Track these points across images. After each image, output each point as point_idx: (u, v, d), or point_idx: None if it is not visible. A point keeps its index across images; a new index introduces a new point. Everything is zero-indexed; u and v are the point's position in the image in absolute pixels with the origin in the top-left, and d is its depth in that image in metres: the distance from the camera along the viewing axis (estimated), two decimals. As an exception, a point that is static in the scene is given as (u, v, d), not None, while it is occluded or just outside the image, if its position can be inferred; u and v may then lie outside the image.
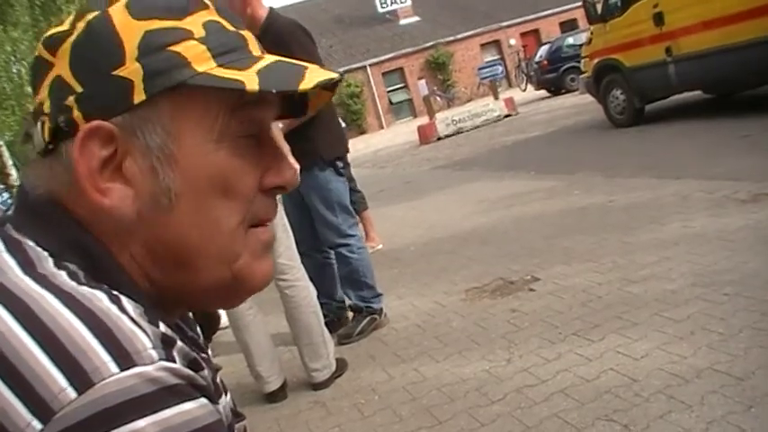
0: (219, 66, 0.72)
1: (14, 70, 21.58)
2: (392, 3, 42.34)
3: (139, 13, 0.72)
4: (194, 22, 0.74)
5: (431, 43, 40.63)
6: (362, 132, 38.90)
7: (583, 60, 12.28)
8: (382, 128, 39.58)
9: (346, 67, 39.12)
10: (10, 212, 0.77)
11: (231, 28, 0.77)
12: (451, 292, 5.20)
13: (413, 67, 40.69)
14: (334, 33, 42.27)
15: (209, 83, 0.71)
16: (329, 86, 0.81)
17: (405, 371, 4.02)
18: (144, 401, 0.59)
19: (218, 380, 0.92)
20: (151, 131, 0.71)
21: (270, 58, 0.77)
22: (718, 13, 8.61)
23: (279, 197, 3.59)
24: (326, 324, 4.87)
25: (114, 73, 0.70)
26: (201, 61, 0.72)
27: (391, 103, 41.05)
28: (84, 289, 0.65)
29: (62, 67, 0.72)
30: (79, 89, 0.71)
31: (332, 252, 4.78)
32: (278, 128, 4.01)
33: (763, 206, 5.15)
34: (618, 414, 2.94)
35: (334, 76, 0.76)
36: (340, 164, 4.66)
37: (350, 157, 5.50)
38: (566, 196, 7.39)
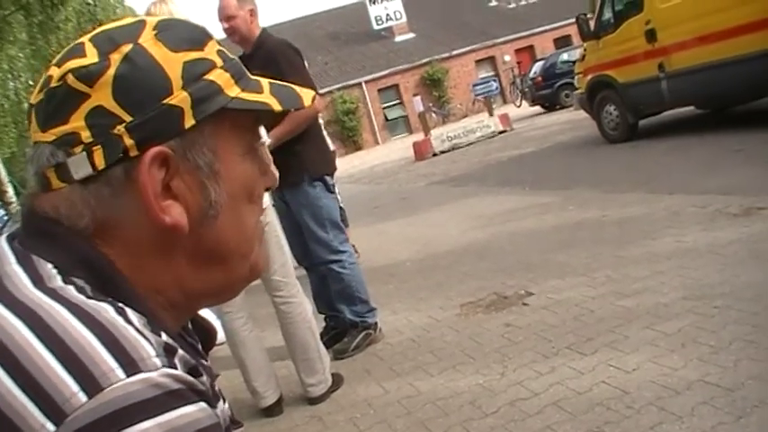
0: (243, 90, 0.82)
1: (11, 87, 21.63)
2: (387, 20, 42.53)
3: (173, 45, 0.79)
4: (211, 52, 0.82)
5: (426, 60, 40.78)
6: (358, 149, 38.96)
7: (576, 76, 12.37)
8: (378, 144, 39.65)
9: (342, 84, 39.30)
10: (14, 230, 0.81)
11: (230, 55, 0.85)
12: (447, 307, 5.24)
13: (408, 84, 40.81)
14: (330, 50, 42.42)
15: (244, 106, 0.81)
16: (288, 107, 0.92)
17: (400, 385, 4.05)
18: (149, 405, 0.64)
19: (216, 387, 0.96)
20: (199, 152, 0.79)
21: (265, 81, 0.87)
22: (711, 29, 8.68)
23: (275, 214, 3.64)
24: (334, 336, 4.91)
25: (165, 101, 0.77)
26: (229, 87, 0.81)
27: (387, 119, 41.14)
28: (92, 302, 0.70)
29: (102, 97, 0.75)
30: (128, 118, 0.75)
31: (336, 263, 4.79)
32: (265, 143, 4.06)
33: (754, 220, 5.20)
34: (609, 426, 2.98)
35: (314, 94, 0.90)
36: (330, 180, 4.70)
37: (346, 173, 5.56)
38: (560, 211, 7.44)
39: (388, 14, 42.51)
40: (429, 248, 7.55)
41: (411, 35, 42.87)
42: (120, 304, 0.72)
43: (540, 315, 4.51)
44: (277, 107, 0.82)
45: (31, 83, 20.99)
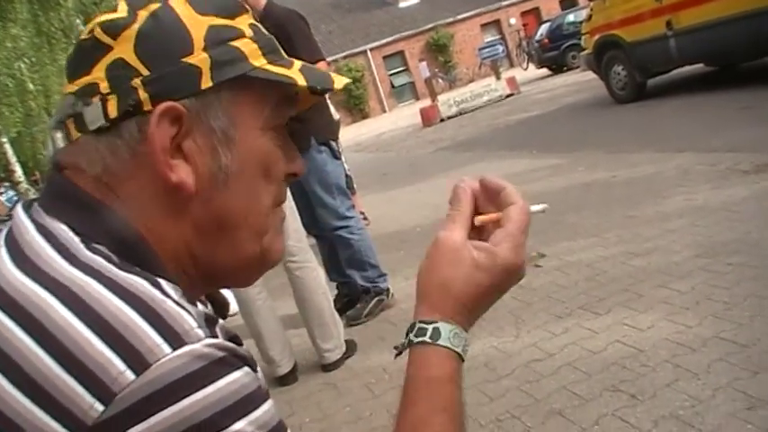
0: (269, 62, 0.82)
1: (16, 67, 21.57)
2: (391, -15, 42.24)
3: (201, 9, 0.80)
4: (242, 23, 0.82)
5: (431, 25, 40.50)
6: (365, 117, 38.87)
7: (583, 37, 12.25)
8: (385, 112, 39.54)
9: (347, 52, 39.11)
10: (38, 196, 0.81)
11: (266, 33, 0.85)
12: (458, 272, 5.22)
13: (413, 50, 40.60)
14: (333, 18, 42.14)
15: (266, 76, 0.80)
16: (319, 92, 0.91)
17: (414, 350, 4.05)
18: (197, 376, 0.65)
19: None
20: (215, 115, 0.79)
21: (298, 62, 0.86)
22: (718, -15, 8.59)
23: None
24: (347, 303, 4.92)
25: (184, 60, 0.77)
26: (256, 57, 0.81)
27: (393, 86, 40.98)
28: (125, 275, 0.69)
29: (124, 50, 0.76)
30: (146, 72, 0.76)
31: (344, 229, 4.79)
32: None
33: (765, 176, 5.16)
34: (625, 384, 2.98)
35: (348, 81, 0.91)
36: (335, 146, 4.70)
37: (353, 141, 5.57)
38: (569, 173, 7.41)
39: (391, -20, 42.21)
40: (438, 214, 7.43)
41: (415, 1, 42.53)
42: (154, 276, 0.71)
43: (553, 276, 4.51)
44: (302, 82, 0.81)
45: (34, 60, 20.92)
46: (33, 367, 0.63)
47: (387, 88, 40.71)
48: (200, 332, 0.67)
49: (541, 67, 25.85)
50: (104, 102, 0.76)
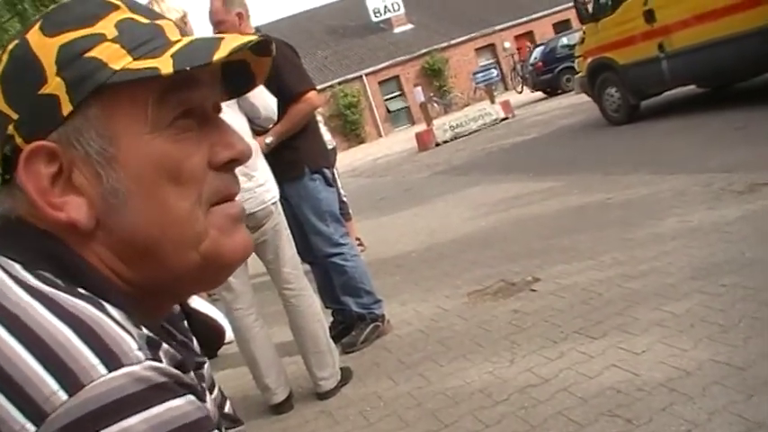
0: (135, 59, 0.74)
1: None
2: (386, 11, 42.44)
3: (52, 30, 0.75)
4: (106, 25, 0.75)
5: (426, 50, 40.68)
6: (361, 142, 38.93)
7: (576, 60, 12.32)
8: (381, 136, 39.60)
9: (342, 78, 39.25)
10: None
11: (145, 21, 0.78)
12: (454, 296, 5.23)
13: (409, 75, 40.75)
14: (329, 44, 42.36)
15: (127, 77, 0.73)
16: (263, 52, 0.83)
17: (409, 376, 4.04)
18: (133, 400, 0.61)
19: (205, 380, 0.95)
20: (87, 139, 0.73)
21: (187, 39, 0.78)
22: (709, 7, 8.65)
23: (279, 208, 3.59)
24: (342, 330, 4.91)
25: (40, 92, 0.73)
26: (117, 59, 0.73)
27: (389, 111, 41.08)
28: (68, 297, 0.68)
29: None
30: (15, 116, 0.74)
31: (338, 256, 4.78)
32: (267, 141, 4.08)
33: (759, 196, 5.17)
34: (621, 409, 2.96)
35: (249, 39, 0.76)
36: (328, 173, 4.70)
37: (350, 166, 5.59)
38: (564, 196, 7.41)
39: (385, 6, 42.41)
40: (434, 238, 7.54)
41: (409, 26, 42.77)
42: (98, 299, 0.69)
43: (548, 300, 4.50)
44: (167, 70, 0.72)
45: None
46: None
47: (382, 113, 40.81)
48: (141, 354, 0.64)
49: (536, 90, 25.95)
50: None
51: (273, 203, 3.98)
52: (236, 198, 0.84)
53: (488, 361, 3.88)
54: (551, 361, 3.63)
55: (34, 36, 0.75)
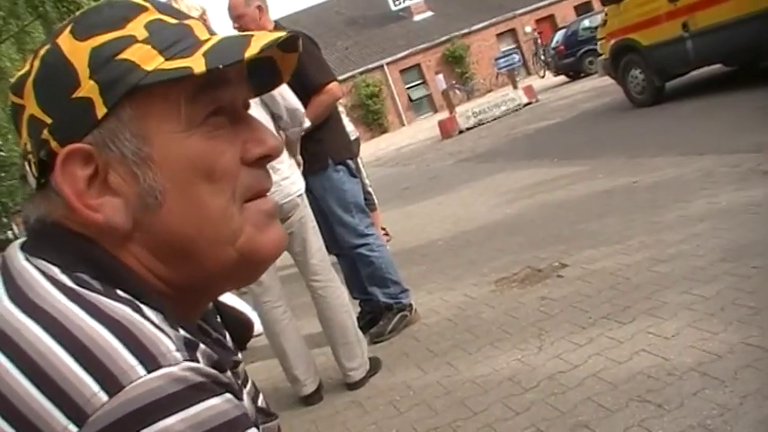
0: (167, 59, 0.74)
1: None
2: (405, 0, 42.31)
3: (83, 35, 0.75)
4: (136, 27, 0.76)
5: (446, 37, 40.51)
6: (384, 131, 38.89)
7: (599, 42, 12.20)
8: (403, 125, 39.54)
9: (363, 68, 39.22)
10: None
11: (174, 21, 0.79)
12: (481, 284, 5.21)
13: (430, 63, 40.63)
14: (349, 35, 42.31)
15: (160, 78, 0.73)
16: (290, 48, 0.85)
17: (438, 365, 4.04)
18: (172, 400, 0.63)
19: (246, 380, 0.96)
20: (122, 140, 0.74)
21: (216, 38, 0.78)
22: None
23: (305, 200, 3.59)
24: (370, 320, 4.91)
25: (74, 96, 0.74)
26: (149, 60, 0.74)
27: (411, 99, 41.00)
28: (106, 300, 0.69)
29: (31, 105, 0.76)
30: (49, 121, 0.75)
31: (364, 247, 4.78)
32: (295, 132, 4.06)
33: (788, 176, 5.10)
34: (651, 394, 2.94)
35: (279, 35, 0.78)
36: (352, 164, 4.70)
37: (373, 156, 5.59)
38: (590, 181, 7.36)
39: (404, -6, 42.31)
40: (460, 226, 7.52)
41: (429, 13, 42.61)
42: (136, 301, 0.71)
43: (576, 286, 4.47)
44: (199, 69, 0.72)
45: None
46: (9, 389, 0.64)
47: (405, 102, 40.73)
48: (179, 355, 0.66)
49: (558, 74, 25.78)
50: (29, 162, 0.77)
51: (299, 196, 3.99)
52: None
53: (517, 348, 3.87)
54: (580, 347, 3.62)
55: (65, 41, 0.76)
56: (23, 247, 0.78)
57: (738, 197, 5.03)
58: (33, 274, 0.72)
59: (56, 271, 0.72)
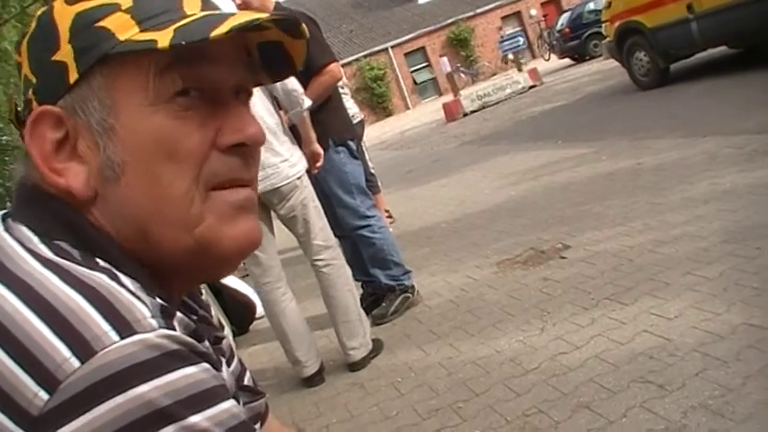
0: (141, 31, 0.73)
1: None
2: (409, -18, 42.16)
3: None
4: None
5: (451, 20, 40.37)
6: (389, 115, 38.84)
7: (604, 25, 12.12)
8: (408, 108, 39.47)
9: (368, 51, 39.13)
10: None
11: None
12: (484, 266, 5.20)
13: (434, 46, 40.51)
14: (353, 18, 42.16)
15: (127, 48, 0.72)
16: (296, 34, 0.82)
17: (440, 347, 4.03)
18: (146, 367, 0.61)
19: (226, 354, 0.95)
20: (90, 108, 0.74)
21: (200, 14, 0.76)
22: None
23: (305, 182, 3.55)
24: (372, 302, 4.90)
25: (53, 59, 0.74)
26: (124, 30, 0.73)
27: (415, 83, 40.90)
28: (81, 267, 0.68)
29: (25, 65, 0.77)
30: (35, 80, 0.75)
31: (365, 229, 4.77)
32: (297, 113, 4.03)
33: (793, 157, 5.07)
34: (653, 375, 2.93)
35: (257, 16, 0.73)
36: (353, 145, 4.68)
37: (378, 139, 5.57)
38: (594, 163, 7.33)
39: (409, -23, 42.12)
40: (463, 209, 7.50)
41: (434, -4, 42.44)
42: (113, 269, 0.69)
43: (578, 267, 4.45)
44: (163, 44, 0.70)
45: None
46: None
47: (409, 85, 40.65)
48: (154, 322, 0.64)
49: (563, 57, 25.66)
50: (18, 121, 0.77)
51: (298, 178, 3.97)
52: (257, 179, 0.83)
53: (519, 329, 3.86)
54: (582, 328, 3.60)
55: (58, 3, 0.76)
56: (8, 214, 0.77)
57: (743, 179, 5.00)
58: (11, 243, 0.71)
59: (35, 240, 0.71)
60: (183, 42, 0.70)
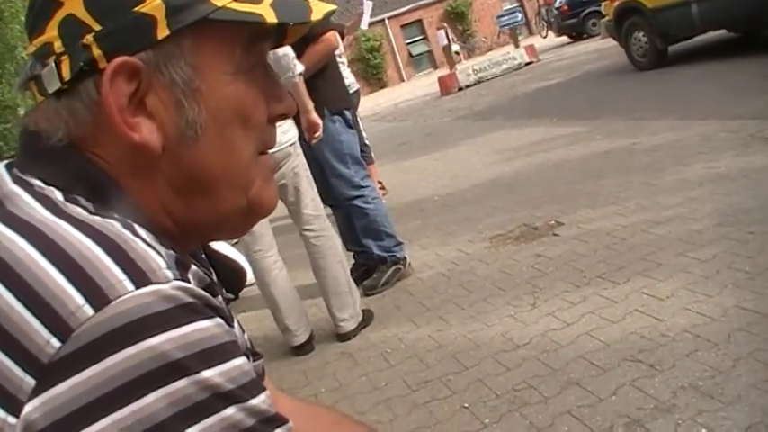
0: (236, 0, 0.73)
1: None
2: (408, -47, 41.79)
3: None
4: None
5: (449, -8, 40.12)
6: (383, 86, 38.68)
7: (603, 4, 12.06)
8: (403, 81, 39.30)
9: (364, 21, 38.77)
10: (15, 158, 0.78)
11: None
12: (476, 240, 5.20)
13: (432, 19, 40.24)
14: (351, -13, 41.84)
15: (230, 17, 0.72)
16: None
17: (430, 319, 4.04)
18: (160, 318, 0.60)
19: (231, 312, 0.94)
20: (175, 66, 0.72)
21: None
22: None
23: (298, 149, 3.54)
24: (363, 272, 4.90)
25: (136, 9, 0.71)
26: None
27: (411, 55, 40.70)
28: (98, 217, 0.67)
29: (74, 5, 0.72)
30: (98, 27, 0.71)
31: (359, 199, 4.75)
32: (288, 79, 3.99)
33: (789, 143, 5.07)
34: (644, 354, 2.94)
35: (334, 8, 0.80)
36: (348, 115, 4.65)
37: (371, 110, 5.54)
38: (588, 141, 7.32)
39: (408, -52, 41.74)
40: (456, 183, 7.49)
41: (433, -32, 42.11)
42: (128, 220, 0.68)
43: (571, 245, 4.46)
44: (271, 19, 0.73)
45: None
46: None
47: (405, 57, 40.45)
48: (169, 273, 0.63)
49: (561, 34, 25.51)
50: (58, 63, 0.72)
51: (291, 145, 3.94)
52: None
53: (510, 305, 3.86)
54: (574, 305, 3.61)
55: None
56: (17, 165, 0.74)
57: (738, 163, 5.00)
58: (23, 197, 0.69)
59: (49, 193, 0.69)
60: (291, 23, 0.76)
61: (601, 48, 16.48)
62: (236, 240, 5.86)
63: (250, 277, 5.36)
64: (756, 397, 2.46)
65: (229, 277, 5.62)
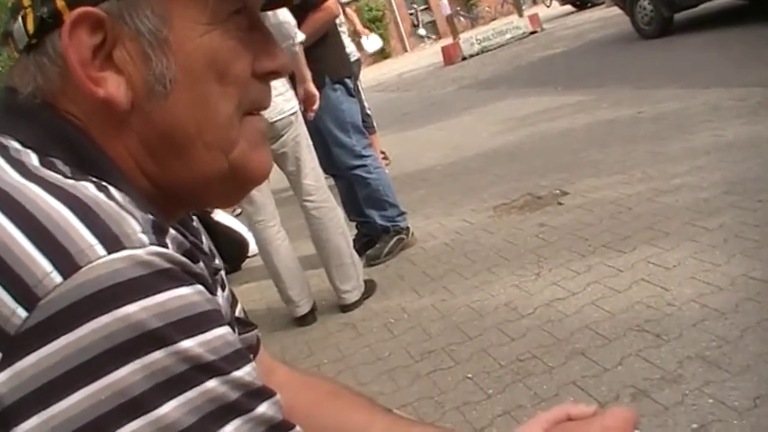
0: None
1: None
2: None
3: None
4: None
5: (452, -39, 39.75)
6: (386, 57, 38.40)
7: (609, -29, 11.93)
8: (406, 51, 39.05)
9: (367, -9, 38.50)
10: None
11: None
12: (479, 210, 5.15)
13: (435, -12, 39.92)
14: (354, -44, 41.48)
15: None
16: None
17: (434, 289, 4.00)
18: (135, 285, 0.56)
19: (219, 279, 0.90)
20: (141, 16, 0.67)
21: None
22: None
23: (299, 118, 3.49)
24: (366, 243, 4.86)
25: None
26: None
27: (414, 25, 40.39)
28: (70, 180, 0.62)
29: None
30: None
31: (361, 168, 4.70)
32: (288, 46, 3.92)
33: (797, 111, 5.00)
34: (650, 324, 2.91)
35: None
36: (350, 83, 4.59)
37: (374, 80, 5.48)
38: (593, 110, 7.24)
39: None
40: (460, 152, 7.43)
41: (436, -64, 41.73)
42: (102, 182, 0.63)
43: (576, 214, 4.41)
44: None
45: None
46: None
47: (408, 27, 40.15)
48: (145, 238, 0.59)
49: (565, 3, 25.22)
50: (24, 17, 0.68)
51: (293, 113, 3.89)
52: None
53: (514, 274, 3.83)
54: (578, 275, 3.57)
55: None
56: None
57: (745, 131, 4.93)
58: None
59: (23, 152, 0.65)
60: None
61: (605, 16, 16.31)
62: (239, 211, 5.83)
63: (253, 248, 5.33)
64: (764, 367, 2.43)
65: (231, 248, 5.59)
